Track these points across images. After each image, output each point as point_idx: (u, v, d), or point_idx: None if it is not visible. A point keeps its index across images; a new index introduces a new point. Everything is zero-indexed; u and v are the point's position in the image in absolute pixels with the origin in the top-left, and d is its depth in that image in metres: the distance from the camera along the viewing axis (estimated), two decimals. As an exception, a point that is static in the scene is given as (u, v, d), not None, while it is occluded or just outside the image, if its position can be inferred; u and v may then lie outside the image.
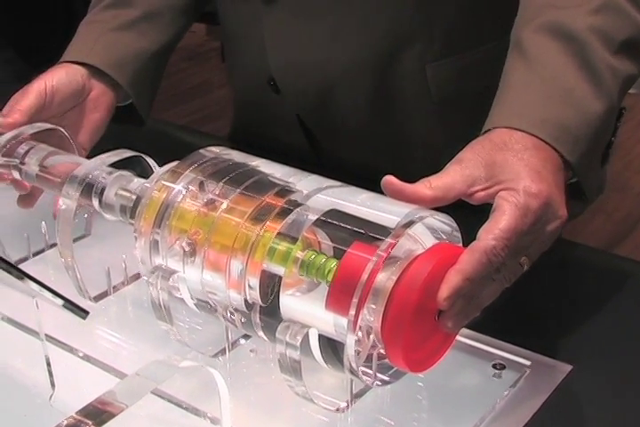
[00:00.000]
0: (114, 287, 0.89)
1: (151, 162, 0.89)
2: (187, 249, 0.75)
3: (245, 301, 0.74)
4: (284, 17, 1.11)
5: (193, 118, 2.43)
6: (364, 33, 1.08)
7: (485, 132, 0.79)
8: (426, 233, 0.72)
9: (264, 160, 0.80)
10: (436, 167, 0.76)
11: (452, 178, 0.74)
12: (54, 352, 0.78)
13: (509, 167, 0.74)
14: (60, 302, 0.70)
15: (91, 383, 0.79)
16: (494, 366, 0.80)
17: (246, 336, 0.83)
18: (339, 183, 0.77)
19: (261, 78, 1.18)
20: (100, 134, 1.05)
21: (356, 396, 0.76)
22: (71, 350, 0.82)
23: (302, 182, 0.76)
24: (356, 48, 1.09)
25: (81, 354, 0.81)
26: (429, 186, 0.73)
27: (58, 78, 1.01)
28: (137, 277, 0.90)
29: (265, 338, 0.76)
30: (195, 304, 0.78)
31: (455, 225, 0.73)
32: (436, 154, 0.85)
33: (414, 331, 0.68)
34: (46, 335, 0.76)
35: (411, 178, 0.74)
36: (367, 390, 0.77)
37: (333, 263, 0.69)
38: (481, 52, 1.11)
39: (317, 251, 0.72)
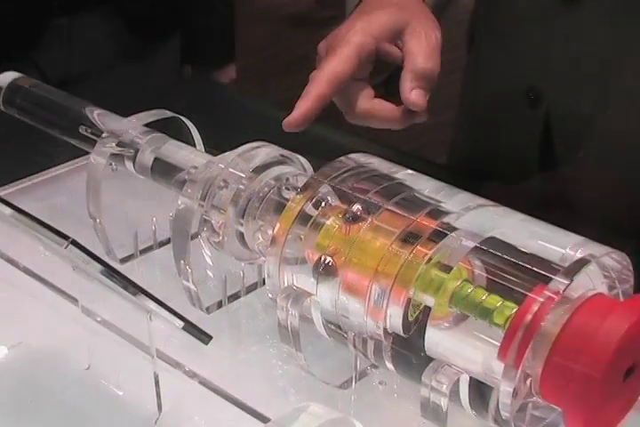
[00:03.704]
0: (229, 298, 0.84)
1: (190, 125, 0.89)
2: (324, 267, 0.70)
3: (384, 329, 0.69)
4: (582, 20, 0.98)
5: (292, 95, 2.32)
6: None
7: None
8: (595, 270, 0.65)
9: (409, 171, 0.75)
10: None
11: None
12: (164, 371, 0.73)
13: None
14: (180, 323, 0.65)
15: (201, 408, 0.74)
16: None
17: (375, 366, 0.77)
18: (491, 203, 0.71)
19: (516, 86, 1.06)
20: None
21: (499, 444, 0.70)
22: (183, 369, 0.76)
23: (453, 200, 0.71)
24: None
25: (192, 375, 0.76)
26: None
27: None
28: (253, 287, 0.85)
29: (394, 371, 0.71)
30: (323, 327, 0.73)
31: (627, 262, 0.66)
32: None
33: (601, 393, 0.61)
34: (157, 351, 0.71)
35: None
36: (510, 439, 0.70)
37: (498, 302, 0.63)
38: None
39: (471, 281, 0.66)
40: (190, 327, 0.64)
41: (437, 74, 0.83)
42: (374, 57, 0.85)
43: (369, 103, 0.84)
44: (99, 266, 0.65)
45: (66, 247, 0.60)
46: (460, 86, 1.21)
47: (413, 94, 0.82)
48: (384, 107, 0.84)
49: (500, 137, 1.14)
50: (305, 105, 0.80)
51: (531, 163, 1.09)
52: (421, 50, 0.83)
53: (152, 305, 0.65)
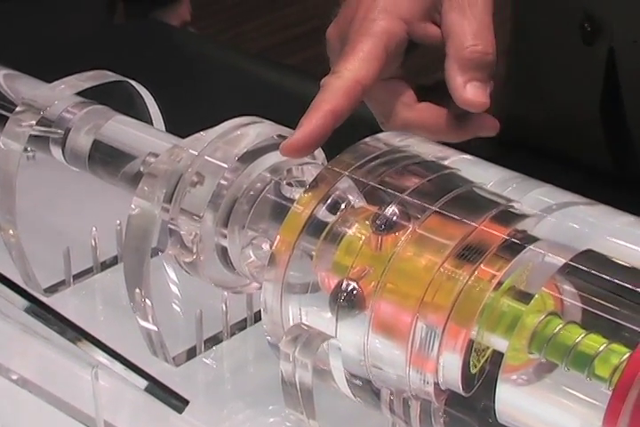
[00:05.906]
0: (206, 343, 0.85)
1: (145, 93, 0.91)
2: (346, 297, 0.70)
3: (435, 385, 0.69)
4: None
5: (282, 37, 2.35)
6: None
7: None
8: None
9: (463, 156, 0.76)
10: None
11: None
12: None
13: None
14: (142, 383, 0.65)
15: None
16: None
17: (420, 438, 0.78)
18: (584, 199, 0.72)
19: (570, 16, 1.09)
20: None
21: None
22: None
23: (528, 197, 0.72)
24: None
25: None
26: None
27: None
28: (241, 326, 0.87)
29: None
30: (347, 383, 0.74)
31: None
32: None
33: None
34: (105, 423, 0.72)
35: None
36: None
37: (602, 345, 0.63)
38: None
39: (560, 315, 0.67)
40: (158, 389, 0.65)
41: (493, 56, 0.83)
42: (406, 44, 0.85)
43: (411, 111, 0.85)
44: (22, 301, 0.65)
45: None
46: None
47: (468, 90, 0.82)
48: (432, 114, 0.84)
49: (546, 88, 1.17)
50: (311, 124, 0.79)
51: (589, 121, 1.12)
52: (466, 25, 0.83)
53: (100, 357, 0.65)
